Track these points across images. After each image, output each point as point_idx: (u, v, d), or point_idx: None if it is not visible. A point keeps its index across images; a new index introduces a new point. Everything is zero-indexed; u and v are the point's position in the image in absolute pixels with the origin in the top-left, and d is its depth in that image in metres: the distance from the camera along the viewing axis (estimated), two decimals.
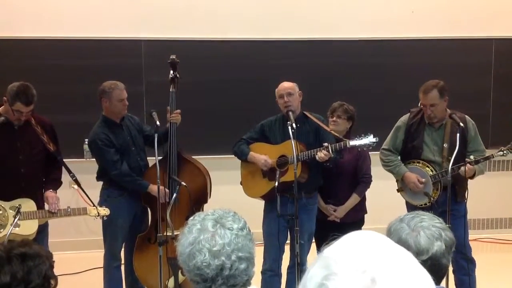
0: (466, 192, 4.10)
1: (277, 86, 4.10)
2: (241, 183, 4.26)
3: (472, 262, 4.04)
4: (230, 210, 1.71)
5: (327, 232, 4.15)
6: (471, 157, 3.91)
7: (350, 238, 0.84)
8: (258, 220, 4.12)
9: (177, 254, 1.67)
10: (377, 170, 4.39)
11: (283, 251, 4.11)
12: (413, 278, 0.78)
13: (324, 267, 0.78)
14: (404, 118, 4.23)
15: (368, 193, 4.26)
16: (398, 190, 4.28)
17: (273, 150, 4.09)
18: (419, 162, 4.10)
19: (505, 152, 3.95)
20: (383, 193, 5.29)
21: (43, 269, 1.90)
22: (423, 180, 4.03)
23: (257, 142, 4.18)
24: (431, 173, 4.03)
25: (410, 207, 4.14)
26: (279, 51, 5.87)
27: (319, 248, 3.99)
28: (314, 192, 4.12)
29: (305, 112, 4.08)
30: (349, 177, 4.15)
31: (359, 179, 4.17)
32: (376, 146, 3.87)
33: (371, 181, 4.20)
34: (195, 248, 1.58)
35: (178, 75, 4.19)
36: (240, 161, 4.25)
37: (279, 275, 4.11)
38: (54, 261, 2.01)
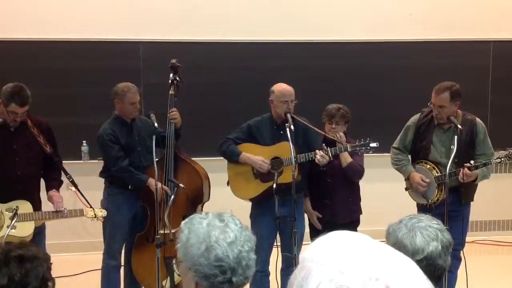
0: (473, 194, 4.17)
1: None
2: (227, 184, 4.21)
3: (458, 260, 4.03)
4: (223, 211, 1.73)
5: (323, 233, 4.16)
6: (471, 162, 3.93)
7: (329, 241, 0.82)
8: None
9: (180, 256, 1.65)
10: (373, 171, 4.40)
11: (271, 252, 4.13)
12: (414, 278, 0.76)
13: (329, 280, 0.73)
14: (415, 118, 4.25)
15: (363, 195, 4.25)
16: (406, 189, 4.32)
17: (264, 151, 4.07)
18: (427, 163, 4.12)
19: (502, 160, 3.98)
20: (379, 195, 5.31)
21: (40, 271, 1.90)
22: (427, 180, 4.05)
23: (245, 143, 4.13)
24: (436, 174, 4.04)
25: (419, 208, 4.19)
26: (277, 53, 5.87)
27: None
28: (301, 191, 4.11)
29: (292, 115, 4.04)
30: (344, 177, 4.12)
31: None
32: (376, 150, 3.86)
33: (363, 171, 4.12)
34: (211, 241, 1.59)
35: (178, 79, 4.20)
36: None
37: (268, 274, 4.14)
38: (51, 263, 2.00)
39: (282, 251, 4.10)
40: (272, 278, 4.19)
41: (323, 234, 0.86)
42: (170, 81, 4.20)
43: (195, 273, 1.61)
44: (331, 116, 4.09)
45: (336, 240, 0.83)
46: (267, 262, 4.12)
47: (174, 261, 1.75)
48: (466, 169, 3.87)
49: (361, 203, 4.28)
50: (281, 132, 4.03)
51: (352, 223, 4.14)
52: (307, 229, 4.26)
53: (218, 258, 1.58)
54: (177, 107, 4.22)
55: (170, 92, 4.20)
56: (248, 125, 4.16)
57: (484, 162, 3.95)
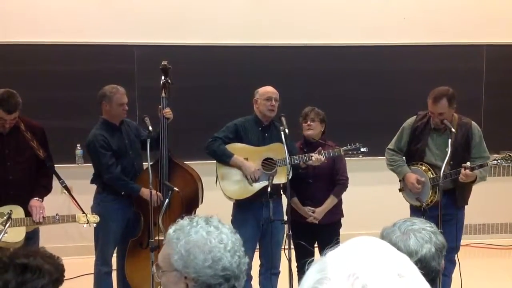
0: (468, 198, 4.19)
1: None
2: (216, 183, 4.13)
3: (453, 264, 4.05)
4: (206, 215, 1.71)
5: (304, 234, 4.17)
6: (467, 163, 3.94)
7: (351, 243, 0.84)
8: None
9: (173, 266, 1.62)
10: (366, 175, 4.40)
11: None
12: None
13: (319, 270, 0.78)
14: (411, 120, 4.28)
15: (357, 198, 4.26)
16: (400, 190, 4.34)
17: (256, 152, 4.08)
18: (422, 165, 4.15)
19: (499, 161, 3.99)
20: (372, 199, 5.30)
21: (39, 283, 1.87)
22: (422, 179, 4.07)
23: (235, 143, 4.11)
24: (431, 176, 4.05)
25: (413, 209, 4.21)
26: (271, 56, 5.87)
27: (297, 251, 3.99)
28: (278, 194, 4.15)
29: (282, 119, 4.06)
30: (326, 179, 4.17)
31: (336, 181, 4.19)
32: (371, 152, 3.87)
33: (348, 182, 4.21)
34: (216, 252, 1.59)
35: (170, 81, 4.19)
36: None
37: (251, 279, 4.13)
38: (57, 277, 1.95)
39: (261, 255, 4.18)
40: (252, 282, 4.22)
41: (306, 236, 0.87)
42: (162, 83, 4.18)
43: (195, 283, 1.59)
44: (305, 115, 4.17)
45: (351, 243, 0.85)
46: (250, 266, 4.11)
47: (154, 270, 1.73)
48: (467, 170, 3.87)
49: (354, 207, 4.28)
50: (266, 134, 4.12)
51: (332, 225, 4.17)
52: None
53: (224, 268, 1.58)
54: (170, 108, 4.22)
55: (162, 95, 4.18)
56: (235, 125, 4.14)
57: (481, 163, 3.97)
